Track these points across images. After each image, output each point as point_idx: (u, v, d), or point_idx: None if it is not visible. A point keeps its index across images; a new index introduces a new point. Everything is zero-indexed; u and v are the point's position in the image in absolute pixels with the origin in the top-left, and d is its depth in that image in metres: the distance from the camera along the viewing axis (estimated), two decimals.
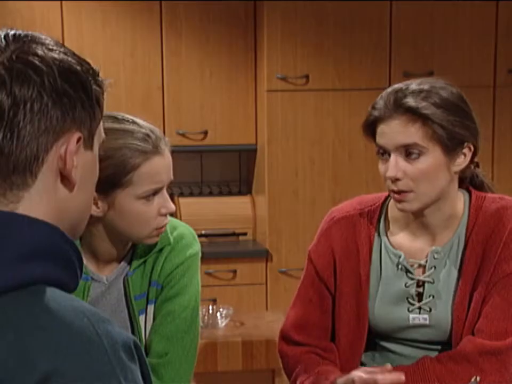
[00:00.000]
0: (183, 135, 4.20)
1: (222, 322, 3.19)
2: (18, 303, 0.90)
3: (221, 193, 4.57)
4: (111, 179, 1.59)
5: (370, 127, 1.75)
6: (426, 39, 4.14)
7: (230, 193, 4.56)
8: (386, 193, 1.89)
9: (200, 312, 1.83)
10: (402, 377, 1.62)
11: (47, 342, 0.88)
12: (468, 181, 1.85)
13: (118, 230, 1.67)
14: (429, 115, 1.67)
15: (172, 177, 1.70)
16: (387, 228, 1.85)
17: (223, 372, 3.09)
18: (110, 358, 0.89)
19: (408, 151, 1.70)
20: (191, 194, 4.53)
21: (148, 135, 1.63)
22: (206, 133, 4.23)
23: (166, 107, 4.19)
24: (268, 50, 4.04)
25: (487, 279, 1.74)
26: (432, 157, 1.69)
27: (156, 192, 1.65)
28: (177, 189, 4.49)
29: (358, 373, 1.66)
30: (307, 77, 4.08)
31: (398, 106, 1.69)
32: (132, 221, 1.65)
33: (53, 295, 0.92)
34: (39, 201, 0.96)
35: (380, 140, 1.73)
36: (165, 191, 1.69)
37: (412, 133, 1.68)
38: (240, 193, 4.56)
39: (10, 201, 0.95)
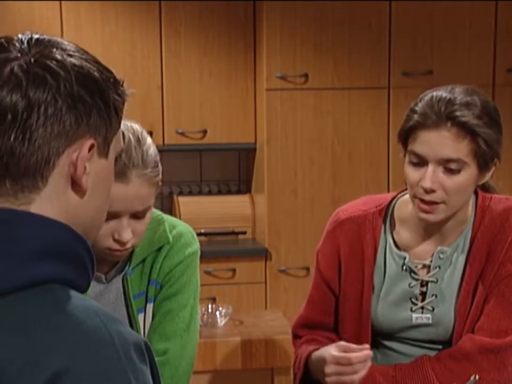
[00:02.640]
0: (182, 134, 4.20)
1: (221, 321, 3.19)
2: (30, 302, 0.91)
3: (220, 192, 4.57)
4: None
5: (407, 133, 1.71)
6: (426, 38, 4.14)
7: (229, 192, 4.57)
8: (393, 194, 1.88)
9: (199, 311, 1.83)
10: (370, 352, 1.66)
11: (59, 340, 0.88)
12: None
13: None
14: (480, 133, 1.65)
15: (137, 209, 1.57)
16: (393, 228, 1.84)
17: (222, 370, 3.09)
18: (121, 358, 0.89)
19: (448, 165, 1.67)
20: (190, 193, 4.53)
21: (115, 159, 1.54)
22: (205, 132, 4.23)
23: (165, 106, 4.19)
24: (267, 49, 4.04)
25: (491, 278, 1.74)
26: (469, 172, 1.68)
27: (111, 217, 1.53)
28: (177, 188, 4.49)
29: (331, 351, 1.68)
30: (306, 76, 4.08)
31: (449, 118, 1.65)
32: None
33: (65, 294, 0.93)
34: (49, 205, 0.96)
35: (420, 147, 1.68)
36: (124, 220, 1.57)
37: (459, 149, 1.65)
38: (239, 192, 4.56)
39: (22, 202, 0.95)
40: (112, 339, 0.90)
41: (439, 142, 1.65)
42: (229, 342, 3.06)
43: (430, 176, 1.66)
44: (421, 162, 1.68)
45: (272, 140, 4.10)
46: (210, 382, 3.19)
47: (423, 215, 1.71)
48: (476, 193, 1.83)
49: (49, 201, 0.96)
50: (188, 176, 4.53)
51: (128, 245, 1.60)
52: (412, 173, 1.70)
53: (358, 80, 4.11)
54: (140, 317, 1.75)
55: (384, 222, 1.85)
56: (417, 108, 1.69)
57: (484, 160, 1.68)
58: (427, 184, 1.66)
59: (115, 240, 1.59)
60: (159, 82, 4.16)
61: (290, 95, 4.08)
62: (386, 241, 1.84)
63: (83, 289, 0.98)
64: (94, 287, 1.73)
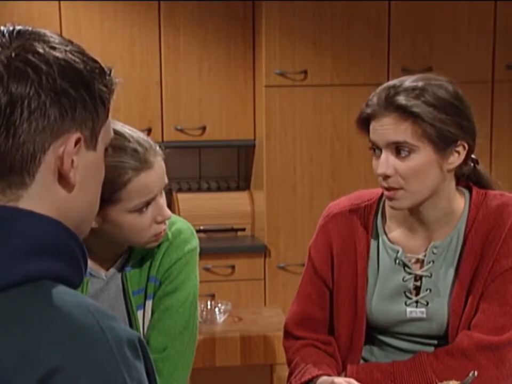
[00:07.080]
0: (181, 130, 4.20)
1: (220, 318, 3.20)
2: (23, 298, 0.90)
3: (219, 189, 4.57)
4: (100, 196, 1.58)
5: (364, 123, 1.75)
6: (425, 35, 4.14)
7: (228, 189, 4.56)
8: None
9: (198, 308, 1.83)
10: None
11: (52, 337, 0.88)
12: (466, 178, 1.85)
13: (115, 239, 1.68)
14: (419, 113, 1.66)
15: (165, 181, 1.68)
16: (384, 223, 1.86)
17: (221, 367, 3.09)
18: (114, 355, 0.89)
19: (398, 149, 1.69)
20: (189, 190, 4.53)
21: (135, 150, 1.60)
22: (204, 128, 4.23)
23: (164, 102, 4.18)
24: (266, 45, 4.04)
25: (486, 274, 1.74)
26: (423, 155, 1.69)
27: (148, 203, 1.64)
28: (176, 185, 4.49)
29: (340, 381, 1.70)
30: (305, 72, 4.08)
31: (389, 104, 1.68)
32: (127, 232, 1.65)
33: (58, 290, 0.92)
34: (38, 201, 0.95)
35: (372, 136, 1.73)
36: (159, 198, 1.67)
37: (401, 131, 1.67)
38: (238, 188, 4.56)
39: (10, 199, 0.95)
40: (105, 335, 0.90)
41: (384, 127, 1.69)
42: (228, 338, 3.07)
43: (383, 162, 1.70)
44: (378, 150, 1.73)
45: (271, 136, 4.10)
46: (209, 378, 3.20)
47: (390, 203, 1.76)
48: (469, 188, 1.83)
49: (38, 197, 0.95)
50: (187, 173, 4.53)
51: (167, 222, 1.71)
52: (374, 162, 1.74)
53: (357, 77, 4.11)
54: (139, 313, 1.76)
55: (375, 216, 1.86)
56: (369, 100, 1.74)
57: (440, 142, 1.68)
58: (380, 170, 1.71)
59: (158, 223, 1.66)
60: (158, 78, 4.16)
61: (290, 92, 4.08)
62: (378, 235, 1.84)
63: (76, 285, 0.97)
64: (94, 284, 1.74)
